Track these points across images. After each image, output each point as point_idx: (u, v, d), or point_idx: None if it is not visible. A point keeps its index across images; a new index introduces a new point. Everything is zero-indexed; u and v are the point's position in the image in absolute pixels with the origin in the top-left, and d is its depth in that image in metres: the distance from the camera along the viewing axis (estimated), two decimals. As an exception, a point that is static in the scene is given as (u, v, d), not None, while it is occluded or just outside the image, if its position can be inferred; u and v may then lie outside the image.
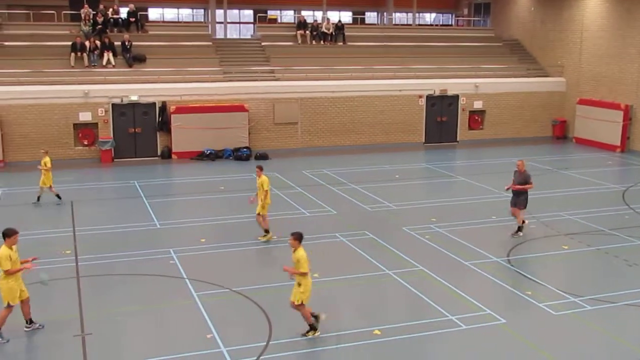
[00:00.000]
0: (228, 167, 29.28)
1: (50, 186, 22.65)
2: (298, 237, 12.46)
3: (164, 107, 31.11)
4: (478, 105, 35.80)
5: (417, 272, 16.20)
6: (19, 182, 26.07)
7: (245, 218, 20.51)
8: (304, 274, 12.32)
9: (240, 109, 31.78)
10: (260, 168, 18.90)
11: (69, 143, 30.16)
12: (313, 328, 12.69)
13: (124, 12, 35.48)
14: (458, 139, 35.81)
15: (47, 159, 22.58)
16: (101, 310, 13.95)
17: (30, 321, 12.84)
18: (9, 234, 12.37)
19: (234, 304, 14.32)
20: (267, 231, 18.66)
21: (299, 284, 12.38)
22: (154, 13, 43.32)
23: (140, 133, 31.06)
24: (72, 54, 31.42)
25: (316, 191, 24.53)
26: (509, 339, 12.81)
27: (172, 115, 31.01)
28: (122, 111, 30.80)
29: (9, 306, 12.44)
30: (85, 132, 30.34)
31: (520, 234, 18.97)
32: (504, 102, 36.24)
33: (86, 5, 34.00)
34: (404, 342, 12.55)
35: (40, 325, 12.92)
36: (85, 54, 31.59)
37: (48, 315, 13.57)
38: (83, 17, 33.58)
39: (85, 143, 30.41)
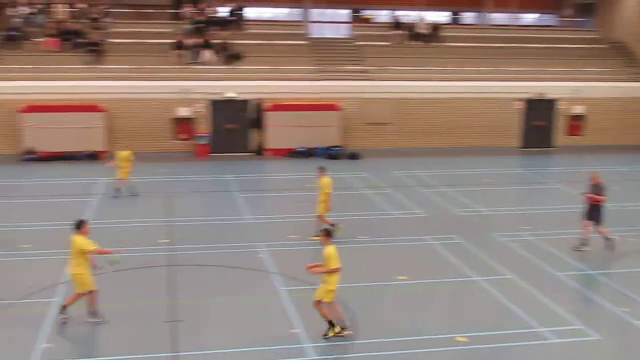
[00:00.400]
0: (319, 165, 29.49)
1: (123, 179, 23.33)
2: (327, 234, 12.43)
3: (258, 104, 31.68)
4: (578, 110, 34.73)
5: (506, 280, 15.87)
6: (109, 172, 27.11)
7: (335, 217, 20.65)
8: (332, 271, 12.22)
9: (332, 107, 32.00)
10: (322, 169, 18.84)
11: (168, 137, 31.18)
12: (334, 326, 12.46)
13: (223, 12, 36.30)
14: (555, 145, 34.86)
15: (126, 154, 23.29)
16: (191, 298, 14.36)
17: (64, 307, 13.22)
18: (82, 224, 12.98)
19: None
20: (333, 225, 18.76)
21: (325, 282, 12.31)
22: (251, 12, 44.05)
23: (235, 129, 31.74)
24: (174, 52, 32.44)
25: (406, 192, 24.43)
26: (603, 357, 12.36)
27: (266, 113, 31.53)
28: (219, 107, 31.57)
29: (90, 291, 12.98)
30: (183, 126, 31.30)
31: (587, 248, 18.03)
32: (607, 107, 35.03)
33: (188, 5, 35.00)
34: (489, 351, 12.32)
35: (64, 317, 13.09)
36: (185, 52, 32.55)
37: (141, 300, 14.11)
38: (185, 16, 34.61)
39: (183, 137, 31.35)
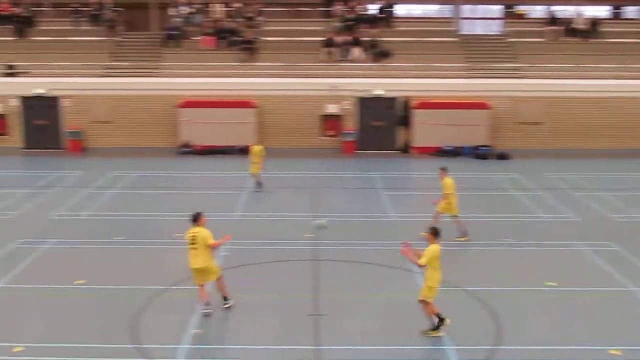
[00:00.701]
0: (467, 165, 28.99)
1: (253, 174, 23.88)
2: (435, 233, 12.48)
3: (406, 102, 31.56)
4: None
5: (666, 290, 14.90)
6: (270, 167, 27.88)
7: (481, 218, 20.23)
8: (422, 266, 12.21)
9: (482, 106, 31.30)
10: (444, 170, 18.49)
11: (316, 133, 31.73)
12: (437, 328, 12.35)
13: (373, 9, 36.45)
14: None
15: (258, 149, 23.81)
16: (334, 293, 14.52)
17: (225, 298, 13.60)
18: (199, 217, 13.48)
19: (464, 304, 14.16)
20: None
21: (426, 280, 12.28)
22: (402, 10, 43.93)
23: (382, 127, 31.79)
24: (324, 49, 32.97)
25: (558, 195, 23.48)
26: None
27: (414, 111, 31.34)
28: (367, 105, 31.73)
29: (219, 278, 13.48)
30: (331, 123, 31.73)
31: None
32: None
33: (338, 3, 35.44)
34: (646, 364, 11.63)
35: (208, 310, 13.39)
36: (335, 50, 32.99)
37: (286, 292, 14.43)
38: (335, 14, 35.07)
39: (330, 134, 31.79)
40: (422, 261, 12.22)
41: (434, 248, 12.33)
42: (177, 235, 18.38)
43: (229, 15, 35.58)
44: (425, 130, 31.18)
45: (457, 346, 12.09)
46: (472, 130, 31.08)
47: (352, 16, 34.92)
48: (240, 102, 31.18)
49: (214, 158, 30.03)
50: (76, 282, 14.90)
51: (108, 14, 35.03)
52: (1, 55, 33.02)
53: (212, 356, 11.71)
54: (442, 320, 12.43)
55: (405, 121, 31.67)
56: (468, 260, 17.04)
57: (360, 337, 12.48)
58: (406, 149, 31.69)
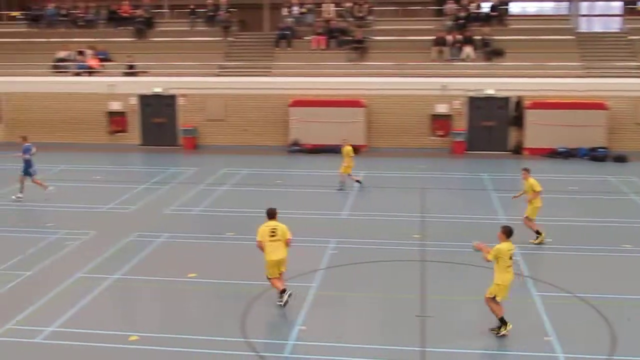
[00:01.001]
0: (582, 167, 28.00)
1: (349, 174, 23.81)
2: (505, 232, 12.51)
3: (519, 101, 30.77)
4: None
5: None
6: (378, 167, 27.95)
7: (597, 222, 19.49)
8: (488, 261, 12.33)
9: (599, 106, 30.10)
10: (527, 170, 18.08)
11: (425, 133, 31.44)
12: (504, 323, 12.29)
13: (486, 7, 35.73)
14: None
15: (348, 149, 23.72)
16: (441, 295, 14.35)
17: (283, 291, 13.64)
18: (275, 212, 13.80)
19: (576, 310, 13.68)
20: (538, 233, 17.84)
21: (496, 278, 12.31)
22: (515, 7, 42.85)
23: (493, 127, 31.15)
24: (434, 48, 32.63)
25: (681, 200, 22.30)
26: None
27: (527, 111, 30.52)
28: (477, 104, 31.17)
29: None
30: (440, 123, 31.37)
31: None
32: None
33: (450, 1, 34.96)
34: None
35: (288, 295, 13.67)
36: (446, 48, 32.58)
37: (391, 292, 14.37)
38: (446, 12, 34.62)
39: (440, 134, 31.43)
40: (489, 257, 12.31)
41: (502, 246, 12.29)
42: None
43: (340, 14, 35.78)
44: (538, 130, 30.29)
45: (567, 354, 11.69)
46: (587, 131, 29.94)
47: (464, 14, 34.36)
48: (350, 101, 31.29)
49: (323, 156, 30.28)
50: (189, 275, 15.37)
51: (223, 15, 35.96)
52: (121, 55, 34.52)
53: (316, 353, 11.80)
54: (504, 324, 12.32)
55: (517, 121, 30.89)
56: (582, 266, 16.42)
57: (466, 341, 12.27)
58: (518, 150, 30.90)
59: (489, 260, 12.37)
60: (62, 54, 34.92)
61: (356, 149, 30.48)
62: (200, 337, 12.39)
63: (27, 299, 14.11)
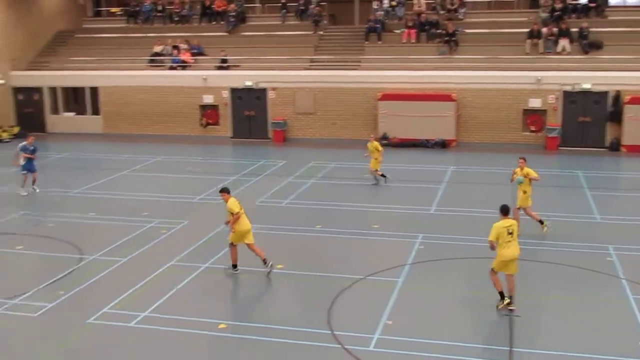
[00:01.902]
0: None
1: (377, 169, 23.53)
2: (501, 210, 13.33)
3: (617, 96, 29.67)
4: None
5: None
6: (467, 161, 27.56)
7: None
8: (491, 241, 13.08)
9: None
10: (524, 160, 18.17)
11: (517, 128, 30.76)
12: (502, 297, 13.22)
13: (584, -2, 34.61)
14: None
15: (375, 144, 23.44)
16: (531, 295, 14.03)
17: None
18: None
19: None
20: (541, 222, 17.91)
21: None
22: (616, -3, 41.29)
23: (588, 122, 30.16)
24: (528, 41, 31.82)
25: None
26: None
27: (626, 106, 29.40)
28: (573, 99, 30.25)
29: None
30: (533, 118, 30.62)
31: None
32: None
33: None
34: None
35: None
36: (540, 41, 31.72)
37: (479, 290, 14.15)
38: (542, 4, 33.70)
39: (533, 129, 30.68)
40: (490, 237, 13.12)
41: (497, 223, 13.13)
42: (375, 226, 18.74)
43: (431, 7, 35.39)
44: (638, 127, 29.12)
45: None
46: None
47: (560, 5, 33.35)
48: (439, 95, 30.94)
49: (411, 150, 30.07)
50: (277, 267, 15.59)
51: (313, 9, 36.17)
52: (215, 49, 35.25)
53: (401, 348, 11.77)
54: (502, 298, 13.23)
55: (615, 117, 29.79)
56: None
57: (555, 342, 11.96)
58: (615, 147, 29.81)
59: (492, 243, 13.08)
60: (157, 48, 35.97)
61: (447, 143, 30.33)
62: (287, 328, 12.56)
63: (122, 285, 14.65)
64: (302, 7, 36.57)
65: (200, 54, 35.68)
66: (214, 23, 37.92)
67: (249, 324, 12.84)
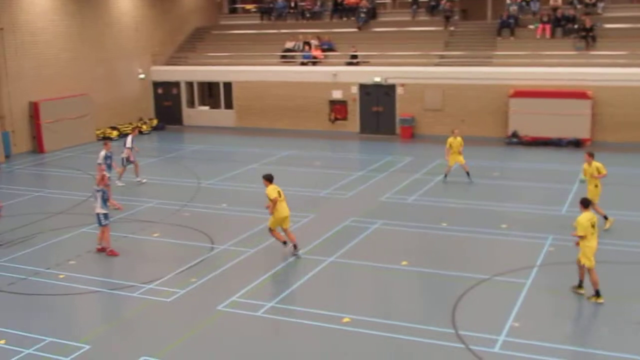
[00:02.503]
0: None
1: (462, 164, 23.32)
2: (581, 203, 13.56)
3: None
4: None
5: None
6: (602, 161, 26.36)
7: None
8: (579, 236, 13.30)
9: None
10: (590, 155, 18.18)
11: (656, 127, 29.19)
12: (580, 286, 13.74)
13: None
14: None
15: (457, 140, 23.20)
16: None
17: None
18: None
19: None
20: (605, 217, 17.85)
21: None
22: None
23: None
24: (673, 35, 30.10)
25: None
26: None
27: None
28: None
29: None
30: (676, 117, 28.98)
31: None
32: None
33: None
34: None
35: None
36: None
37: (612, 296, 13.59)
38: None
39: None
40: (578, 233, 13.31)
41: (581, 217, 13.33)
42: (503, 225, 18.38)
43: (568, 1, 34.13)
44: None
45: None
46: None
47: None
48: (574, 93, 29.78)
49: (542, 149, 29.17)
50: (402, 263, 15.61)
51: (445, 4, 35.75)
52: (345, 45, 35.57)
53: (527, 351, 11.51)
54: (580, 286, 13.78)
55: None
56: None
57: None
58: None
59: (580, 237, 13.27)
60: (289, 44, 36.71)
61: (581, 143, 29.19)
62: (410, 325, 12.58)
63: (250, 275, 15.15)
64: (434, 3, 36.23)
65: (331, 49, 36.11)
66: (344, 19, 38.29)
67: (372, 319, 12.94)
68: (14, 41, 29.67)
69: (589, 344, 11.83)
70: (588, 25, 31.51)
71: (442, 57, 33.72)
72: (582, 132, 29.56)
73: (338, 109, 34.51)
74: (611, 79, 29.39)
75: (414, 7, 36.81)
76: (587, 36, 31.36)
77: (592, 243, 13.29)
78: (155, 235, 18.21)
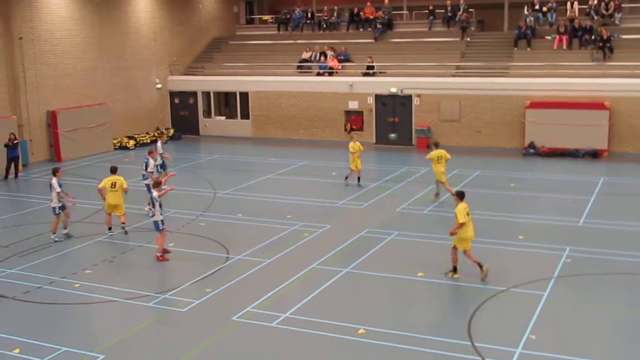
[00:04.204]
0: None
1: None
2: (457, 194, 15.59)
3: None
4: None
5: None
6: (620, 172, 26.27)
7: None
8: (461, 222, 14.88)
9: None
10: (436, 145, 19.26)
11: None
12: (454, 270, 15.44)
13: None
14: None
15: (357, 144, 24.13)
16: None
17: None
18: None
19: None
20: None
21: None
22: None
23: None
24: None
25: None
26: None
27: None
28: None
29: None
30: (695, 128, 28.71)
31: None
32: None
33: None
34: None
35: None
36: None
37: (630, 308, 13.42)
38: None
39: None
40: (459, 220, 14.92)
41: (459, 206, 15.03)
42: (520, 237, 18.26)
43: (585, 12, 33.97)
44: None
45: None
46: None
47: None
48: (592, 103, 29.61)
49: (560, 160, 28.99)
50: (418, 275, 15.53)
51: (461, 15, 35.69)
52: (361, 56, 35.59)
53: (546, 365, 11.41)
54: (454, 270, 15.42)
55: None
56: None
57: None
58: None
59: (461, 223, 14.82)
60: (305, 55, 36.79)
61: (599, 153, 28.98)
62: (426, 337, 12.50)
63: (266, 286, 15.12)
64: (450, 14, 36.19)
65: (347, 60, 36.14)
66: (361, 30, 38.33)
67: (388, 330, 12.87)
68: (32, 50, 29.98)
69: (606, 357, 11.68)
70: (605, 36, 31.34)
71: (458, 67, 33.65)
72: (599, 143, 29.36)
73: (354, 119, 34.51)
74: (629, 89, 29.23)
75: (431, 18, 36.79)
76: (604, 47, 31.19)
77: (468, 229, 15.06)
78: (171, 244, 18.23)
